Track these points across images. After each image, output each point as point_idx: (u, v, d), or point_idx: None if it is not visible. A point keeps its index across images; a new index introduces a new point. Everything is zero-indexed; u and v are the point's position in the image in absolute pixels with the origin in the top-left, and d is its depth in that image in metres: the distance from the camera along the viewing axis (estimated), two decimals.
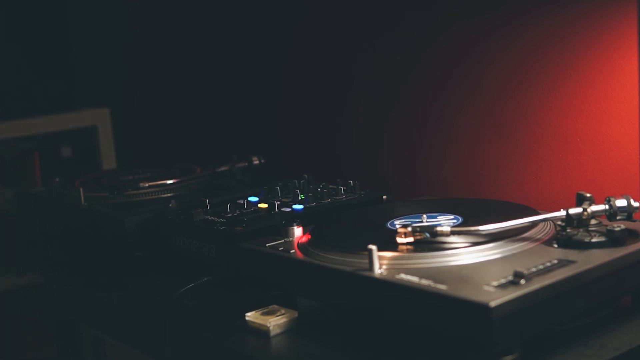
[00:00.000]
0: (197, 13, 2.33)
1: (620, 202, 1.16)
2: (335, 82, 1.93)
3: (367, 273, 1.08)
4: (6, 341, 2.54)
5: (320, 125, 1.99)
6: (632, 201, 1.15)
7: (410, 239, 1.15)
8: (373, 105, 1.84)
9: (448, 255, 1.10)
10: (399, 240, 1.15)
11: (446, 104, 1.68)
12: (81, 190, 1.68)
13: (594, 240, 1.11)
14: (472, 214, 1.27)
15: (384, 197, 1.54)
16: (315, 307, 1.21)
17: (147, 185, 1.72)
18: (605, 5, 1.38)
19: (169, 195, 1.70)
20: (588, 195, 1.16)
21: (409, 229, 1.15)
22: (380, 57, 1.81)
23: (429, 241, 1.15)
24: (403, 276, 1.05)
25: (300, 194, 1.54)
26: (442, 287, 1.00)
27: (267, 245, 1.26)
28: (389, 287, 1.05)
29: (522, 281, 0.99)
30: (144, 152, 2.71)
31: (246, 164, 1.85)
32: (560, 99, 1.48)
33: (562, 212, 1.16)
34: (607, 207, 1.16)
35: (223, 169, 1.83)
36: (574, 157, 1.48)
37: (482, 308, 0.94)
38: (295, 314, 1.19)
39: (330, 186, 1.58)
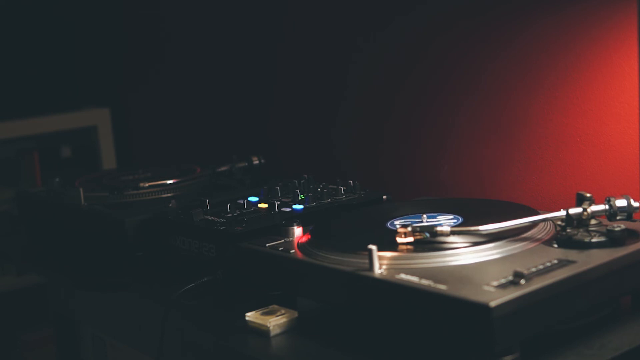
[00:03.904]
0: (197, 13, 2.33)
1: (620, 202, 1.16)
2: (334, 82, 1.93)
3: (367, 273, 1.08)
4: (6, 341, 2.54)
5: (320, 126, 1.99)
6: (632, 201, 1.15)
7: (410, 239, 1.15)
8: (373, 105, 1.84)
9: (448, 255, 1.10)
10: (399, 240, 1.15)
11: (446, 104, 1.68)
12: (81, 190, 1.68)
13: (594, 240, 1.11)
14: (472, 214, 1.27)
15: (384, 197, 1.54)
16: (315, 307, 1.21)
17: (147, 185, 1.72)
18: (605, 5, 1.38)
19: (169, 195, 1.70)
20: (588, 195, 1.16)
21: (409, 229, 1.15)
22: (380, 56, 1.81)
23: (429, 241, 1.15)
24: (403, 276, 1.05)
25: (300, 194, 1.54)
26: (442, 287, 1.00)
27: (267, 245, 1.26)
28: (389, 287, 1.05)
29: (522, 281, 0.99)
30: (144, 152, 2.71)
31: (246, 164, 1.85)
32: (560, 99, 1.48)
33: (562, 212, 1.16)
34: (607, 207, 1.16)
35: (223, 169, 1.83)
36: (574, 157, 1.48)
37: (482, 308, 0.94)
38: (295, 314, 1.19)
39: (330, 186, 1.58)
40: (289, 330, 1.18)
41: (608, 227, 1.12)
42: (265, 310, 1.20)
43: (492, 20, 1.57)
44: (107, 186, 1.75)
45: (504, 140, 1.58)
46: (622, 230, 1.12)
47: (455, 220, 1.25)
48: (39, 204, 1.85)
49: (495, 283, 1.00)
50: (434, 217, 1.28)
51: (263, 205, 1.49)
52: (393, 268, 1.09)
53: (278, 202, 1.48)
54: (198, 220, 1.44)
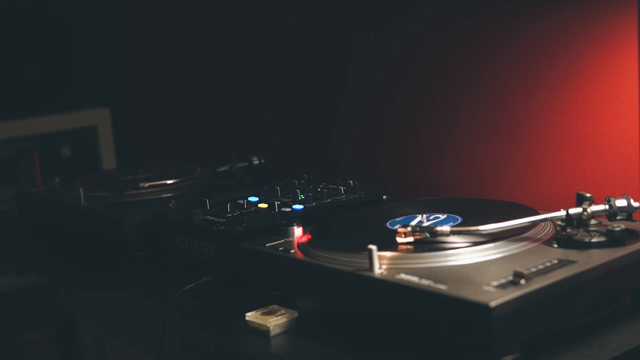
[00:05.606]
0: (197, 13, 2.33)
1: (620, 202, 1.16)
2: (334, 82, 1.93)
3: (367, 273, 1.08)
4: (6, 341, 2.54)
5: (320, 126, 1.99)
6: (632, 201, 1.15)
7: (410, 239, 1.15)
8: (373, 105, 1.84)
9: (448, 255, 1.10)
10: (399, 240, 1.15)
11: (446, 104, 1.68)
12: (81, 190, 1.68)
13: (594, 240, 1.11)
14: (472, 214, 1.27)
15: (384, 197, 1.54)
16: (315, 307, 1.21)
17: (147, 185, 1.72)
18: (605, 5, 1.38)
19: (169, 195, 1.70)
20: (588, 195, 1.16)
21: (409, 229, 1.15)
22: (380, 56, 1.81)
23: (429, 241, 1.15)
24: (403, 276, 1.05)
25: (300, 194, 1.54)
26: (442, 287, 1.00)
27: (267, 245, 1.26)
28: (389, 287, 1.05)
29: (522, 281, 0.99)
30: (144, 152, 2.71)
31: (246, 164, 1.85)
32: (560, 99, 1.48)
33: (562, 212, 1.16)
34: (607, 207, 1.16)
35: (223, 169, 1.83)
36: (574, 157, 1.48)
37: (482, 308, 0.94)
38: (295, 314, 1.19)
39: (330, 186, 1.58)
40: (289, 330, 1.18)
41: (608, 227, 1.12)
42: (265, 310, 1.20)
43: (492, 20, 1.57)
44: (107, 186, 1.75)
45: (504, 140, 1.58)
46: (622, 230, 1.12)
47: (455, 220, 1.25)
48: (39, 204, 1.85)
49: (495, 283, 1.00)
50: (434, 217, 1.28)
51: (263, 205, 1.49)
52: (393, 268, 1.09)
53: (278, 202, 1.48)
54: (198, 220, 1.44)
